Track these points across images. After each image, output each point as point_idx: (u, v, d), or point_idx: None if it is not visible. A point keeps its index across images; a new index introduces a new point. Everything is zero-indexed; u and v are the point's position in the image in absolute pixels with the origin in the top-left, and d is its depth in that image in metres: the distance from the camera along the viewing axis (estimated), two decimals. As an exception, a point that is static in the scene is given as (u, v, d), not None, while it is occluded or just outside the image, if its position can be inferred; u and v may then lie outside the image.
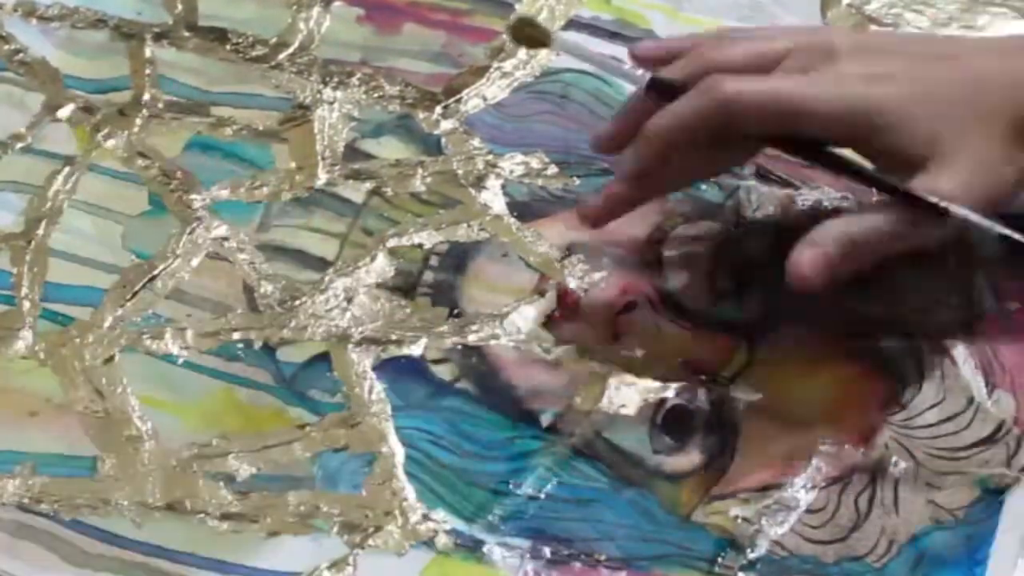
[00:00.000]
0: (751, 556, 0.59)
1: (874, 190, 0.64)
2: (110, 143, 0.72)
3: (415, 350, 0.65)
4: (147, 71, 0.75)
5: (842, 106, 0.60)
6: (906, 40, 0.69)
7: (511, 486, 0.61)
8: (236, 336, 0.66)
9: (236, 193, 0.71)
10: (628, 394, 0.64)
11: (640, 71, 0.65)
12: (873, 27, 0.75)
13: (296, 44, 0.76)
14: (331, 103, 0.73)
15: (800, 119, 0.60)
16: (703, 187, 0.70)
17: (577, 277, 0.67)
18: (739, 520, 0.60)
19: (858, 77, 0.60)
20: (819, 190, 0.70)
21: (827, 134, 0.61)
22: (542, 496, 0.61)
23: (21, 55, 0.75)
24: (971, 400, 0.63)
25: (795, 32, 0.65)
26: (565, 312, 0.66)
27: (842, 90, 0.60)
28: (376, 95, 0.74)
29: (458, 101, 0.74)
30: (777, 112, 0.60)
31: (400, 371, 0.65)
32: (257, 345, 0.66)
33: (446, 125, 0.73)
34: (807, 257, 0.60)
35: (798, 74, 0.61)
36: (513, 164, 0.71)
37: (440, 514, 0.61)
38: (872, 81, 0.60)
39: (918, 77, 0.61)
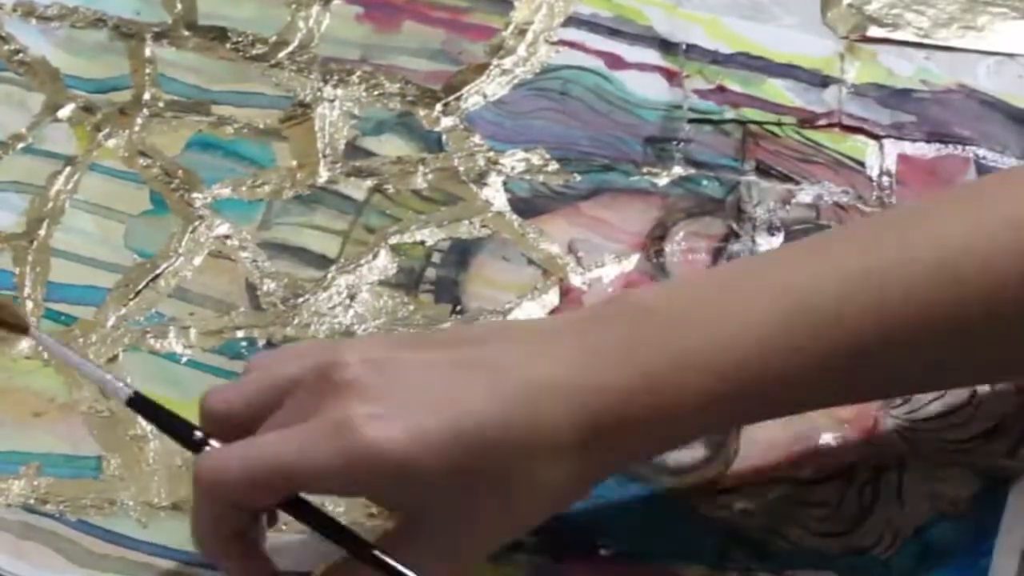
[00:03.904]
0: (756, 549, 0.59)
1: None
2: (111, 142, 0.72)
3: (419, 347, 0.65)
4: (147, 70, 0.75)
5: (339, 462, 0.48)
6: (419, 350, 0.53)
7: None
8: (239, 334, 0.66)
9: (238, 191, 0.71)
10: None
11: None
12: (873, 28, 0.75)
13: (296, 42, 0.76)
14: (331, 101, 0.73)
15: (300, 483, 0.50)
16: (704, 183, 0.70)
17: (579, 273, 0.67)
18: (744, 513, 0.60)
19: (360, 417, 0.48)
20: (819, 185, 0.70)
21: (341, 493, 0.54)
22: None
23: (21, 55, 0.75)
24: (974, 393, 0.63)
25: (308, 352, 0.53)
26: (568, 307, 0.67)
27: (337, 441, 0.48)
28: (376, 93, 0.74)
29: (458, 98, 0.74)
30: (269, 482, 0.50)
31: (404, 368, 0.65)
32: (260, 343, 0.66)
33: (447, 122, 0.73)
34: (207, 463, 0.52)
35: (295, 422, 0.50)
36: (514, 161, 0.71)
37: (446, 511, 0.60)
38: (371, 421, 0.48)
39: (423, 411, 0.49)
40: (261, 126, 0.73)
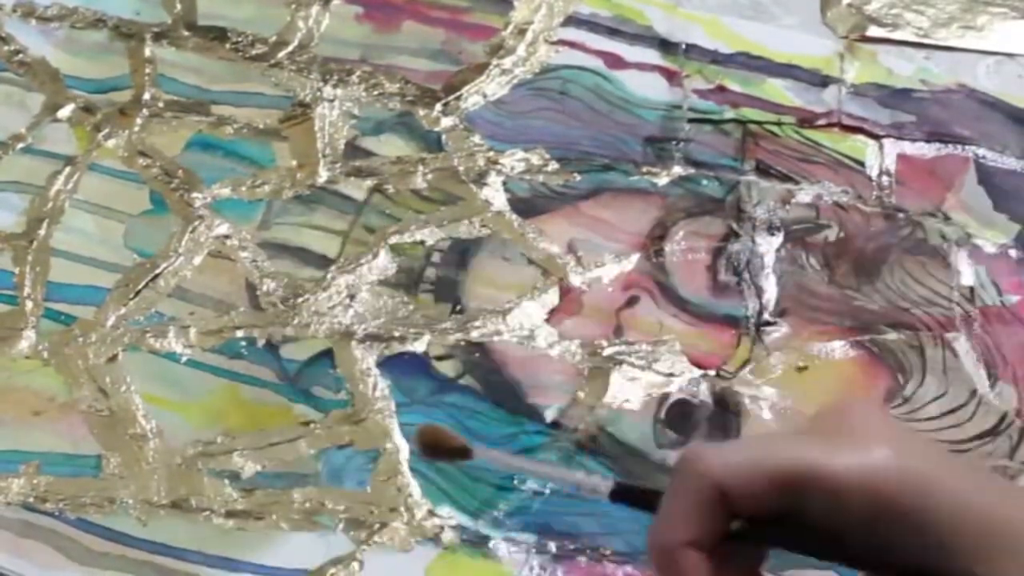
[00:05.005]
0: (756, 549, 0.59)
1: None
2: (111, 142, 0.72)
3: (418, 347, 0.65)
4: (147, 70, 0.75)
5: (868, 475, 0.43)
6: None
7: (516, 482, 0.61)
8: (239, 334, 0.66)
9: (237, 191, 0.71)
10: (632, 389, 0.64)
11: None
12: (873, 28, 0.75)
13: (295, 42, 0.76)
14: (331, 101, 0.73)
15: (815, 482, 0.43)
16: (704, 183, 0.70)
17: (579, 272, 0.67)
18: (744, 513, 0.60)
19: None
20: (819, 184, 0.70)
21: (845, 513, 0.43)
22: (547, 491, 0.61)
23: (21, 55, 0.75)
24: (974, 393, 0.63)
25: None
26: (568, 307, 0.67)
27: (870, 457, 0.43)
28: (376, 93, 0.74)
29: (458, 98, 0.74)
30: (780, 483, 0.43)
31: (403, 368, 0.65)
32: (260, 343, 0.66)
33: (446, 122, 0.73)
34: None
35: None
36: (514, 160, 0.71)
37: (445, 510, 0.61)
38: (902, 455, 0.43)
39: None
40: (261, 126, 0.73)
